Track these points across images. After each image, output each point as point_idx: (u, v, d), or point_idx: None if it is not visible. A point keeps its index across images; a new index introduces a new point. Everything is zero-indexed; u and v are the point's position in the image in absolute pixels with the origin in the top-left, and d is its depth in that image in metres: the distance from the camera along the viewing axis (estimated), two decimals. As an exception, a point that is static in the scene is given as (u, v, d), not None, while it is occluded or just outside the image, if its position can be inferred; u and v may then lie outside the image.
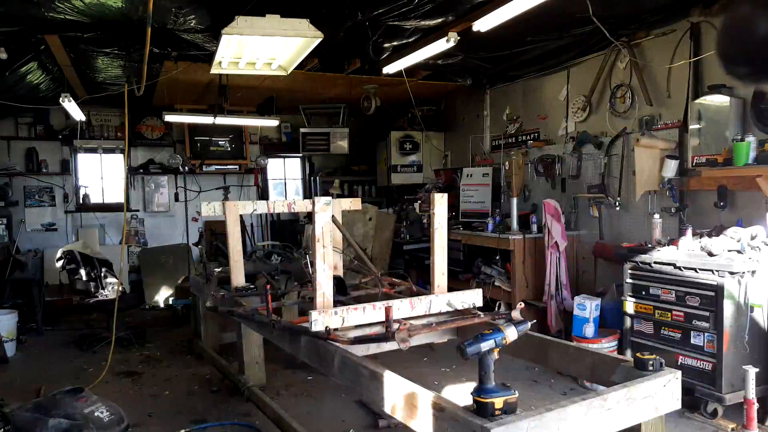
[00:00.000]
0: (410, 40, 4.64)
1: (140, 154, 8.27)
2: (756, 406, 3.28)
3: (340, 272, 3.84)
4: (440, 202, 3.02)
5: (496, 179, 6.50)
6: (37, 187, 7.79)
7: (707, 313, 3.57)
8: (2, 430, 3.03)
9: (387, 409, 2.14)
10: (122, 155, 7.88)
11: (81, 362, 5.10)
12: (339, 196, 7.55)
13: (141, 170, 8.22)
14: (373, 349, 2.77)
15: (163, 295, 7.29)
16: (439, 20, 4.16)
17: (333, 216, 3.02)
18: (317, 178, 9.02)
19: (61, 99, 5.69)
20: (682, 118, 4.47)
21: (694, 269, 3.64)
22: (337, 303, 2.80)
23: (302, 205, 4.74)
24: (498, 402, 1.75)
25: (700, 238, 3.91)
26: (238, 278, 3.75)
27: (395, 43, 4.73)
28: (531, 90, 6.30)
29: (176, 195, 8.29)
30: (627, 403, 1.96)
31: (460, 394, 3.94)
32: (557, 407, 1.80)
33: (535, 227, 5.45)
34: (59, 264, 5.93)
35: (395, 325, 2.42)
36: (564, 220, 5.17)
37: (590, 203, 5.33)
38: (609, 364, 2.28)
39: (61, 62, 5.08)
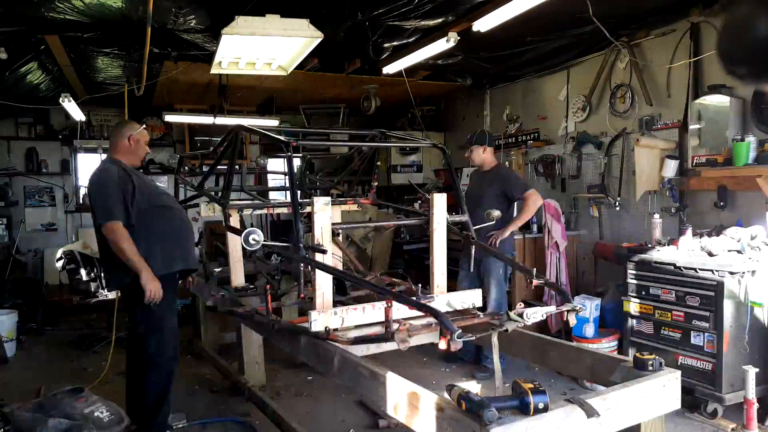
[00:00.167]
0: (410, 40, 4.63)
1: (140, 154, 8.25)
2: (756, 406, 3.28)
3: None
4: (440, 202, 3.02)
5: (496, 179, 6.49)
6: (37, 187, 7.78)
7: (707, 313, 3.57)
8: (2, 430, 3.03)
9: (387, 409, 2.14)
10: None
11: (81, 362, 5.10)
12: (339, 196, 7.54)
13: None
14: (373, 349, 2.76)
15: (163, 295, 7.26)
16: (439, 20, 4.16)
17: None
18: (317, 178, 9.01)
19: (61, 99, 5.69)
20: (682, 118, 4.47)
21: (694, 269, 3.64)
22: (336, 303, 2.80)
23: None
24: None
25: (700, 238, 3.91)
26: (238, 278, 3.75)
27: (395, 43, 4.73)
28: (531, 90, 6.30)
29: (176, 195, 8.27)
30: (627, 403, 1.95)
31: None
32: (557, 407, 1.79)
33: (535, 227, 5.45)
34: (59, 264, 5.92)
35: (395, 326, 2.41)
36: (564, 220, 5.18)
37: (590, 203, 5.34)
38: (609, 364, 2.27)
39: (61, 62, 5.08)
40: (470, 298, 3.05)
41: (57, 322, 6.38)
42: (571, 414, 1.81)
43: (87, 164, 8.19)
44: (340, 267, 3.69)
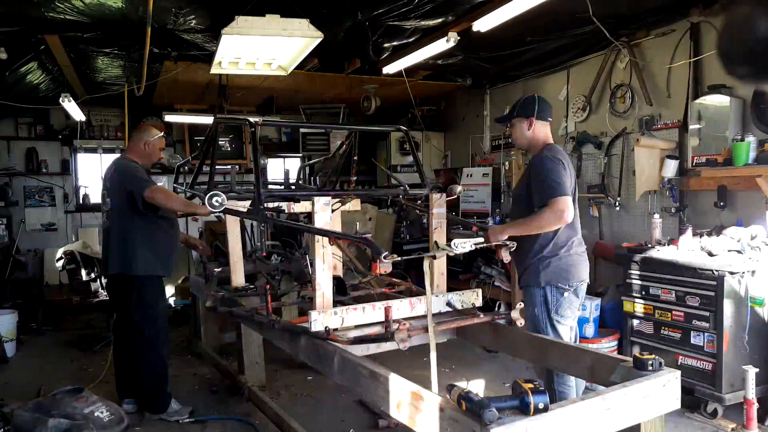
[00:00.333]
0: (410, 40, 4.64)
1: (140, 154, 8.26)
2: (756, 406, 3.28)
3: (340, 272, 3.84)
4: (439, 202, 3.02)
5: (496, 179, 6.50)
6: (37, 187, 7.78)
7: (707, 313, 3.57)
8: (2, 430, 3.04)
9: (387, 409, 2.14)
10: (122, 155, 7.86)
11: (81, 362, 5.10)
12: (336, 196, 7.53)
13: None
14: (373, 349, 2.77)
15: (163, 295, 7.27)
16: (439, 20, 4.16)
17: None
18: (317, 178, 9.02)
19: (61, 99, 5.69)
20: (682, 118, 4.47)
21: (694, 269, 3.64)
22: (336, 303, 2.80)
23: (302, 206, 4.73)
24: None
25: (700, 238, 3.91)
26: (238, 278, 3.75)
27: (395, 43, 4.73)
28: (531, 90, 6.29)
29: (176, 195, 8.28)
30: (626, 403, 1.96)
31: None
32: (557, 407, 1.79)
33: (535, 227, 5.44)
34: (59, 264, 5.93)
35: (395, 325, 2.42)
36: (564, 220, 5.16)
37: (590, 203, 5.33)
38: (609, 364, 2.28)
39: (61, 62, 5.08)
40: (470, 298, 3.05)
41: (57, 322, 6.38)
42: (570, 414, 1.81)
43: (87, 164, 8.20)
44: (339, 267, 3.70)
